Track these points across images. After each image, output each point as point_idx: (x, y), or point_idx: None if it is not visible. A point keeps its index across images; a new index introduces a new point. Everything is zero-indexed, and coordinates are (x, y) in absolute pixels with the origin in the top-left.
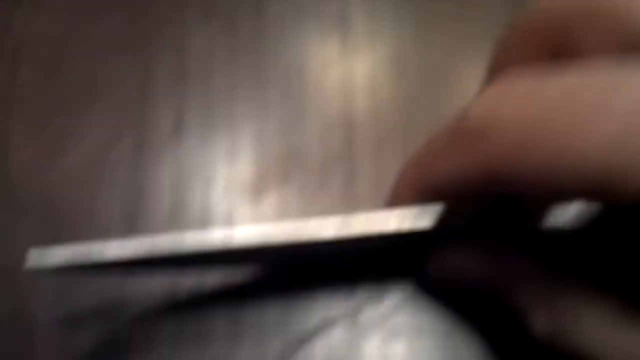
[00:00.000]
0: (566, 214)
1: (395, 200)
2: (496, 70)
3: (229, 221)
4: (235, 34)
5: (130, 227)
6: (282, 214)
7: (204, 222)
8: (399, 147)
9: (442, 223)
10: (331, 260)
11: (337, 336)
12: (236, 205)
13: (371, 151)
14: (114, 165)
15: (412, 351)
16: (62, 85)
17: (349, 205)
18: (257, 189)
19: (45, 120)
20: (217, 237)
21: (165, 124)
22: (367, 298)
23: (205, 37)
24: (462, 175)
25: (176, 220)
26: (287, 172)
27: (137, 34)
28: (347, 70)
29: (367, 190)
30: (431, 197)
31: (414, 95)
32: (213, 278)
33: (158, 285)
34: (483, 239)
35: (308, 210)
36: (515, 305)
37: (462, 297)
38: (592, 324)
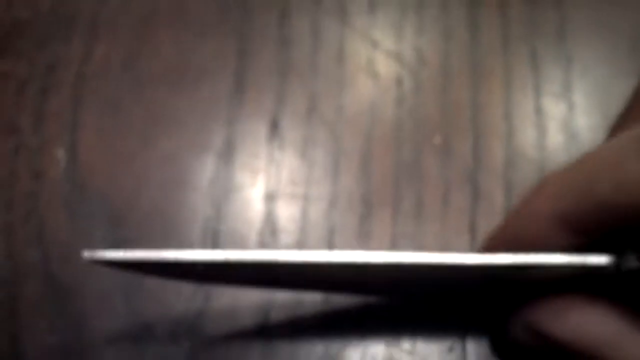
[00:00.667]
0: None
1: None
2: None
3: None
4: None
5: (214, 241)
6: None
7: (300, 242)
8: None
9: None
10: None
11: None
12: (339, 224)
13: None
14: (199, 168)
15: None
16: (147, 68)
17: None
18: (365, 207)
19: (128, 108)
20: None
21: (260, 125)
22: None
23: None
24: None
25: (269, 239)
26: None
27: (232, 17)
28: None
29: None
30: (589, 213)
31: None
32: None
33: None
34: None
35: None
36: None
37: None
38: None
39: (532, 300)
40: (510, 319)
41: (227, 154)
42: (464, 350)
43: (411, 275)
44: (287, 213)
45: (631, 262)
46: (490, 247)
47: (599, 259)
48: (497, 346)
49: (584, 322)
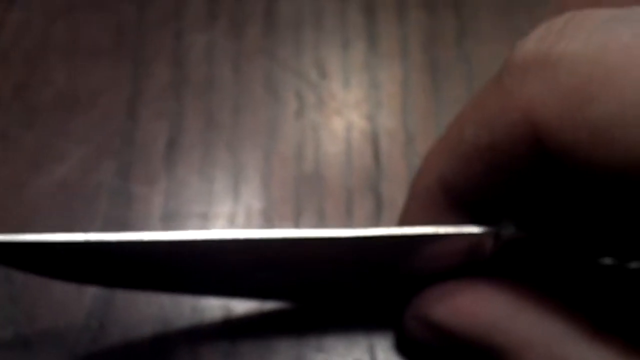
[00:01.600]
0: None
1: (415, 187)
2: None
3: None
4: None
5: None
6: None
7: None
8: None
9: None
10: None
11: None
12: None
13: None
14: (92, 194)
15: None
16: (36, 95)
17: None
18: (265, 222)
19: (18, 136)
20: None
21: (157, 145)
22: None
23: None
24: (500, 129)
25: None
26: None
27: (126, 40)
28: None
29: None
30: (460, 168)
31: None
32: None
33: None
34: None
35: None
36: None
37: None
38: None
39: (421, 290)
40: (404, 314)
41: (123, 176)
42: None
43: (292, 260)
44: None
45: (508, 230)
46: None
47: (476, 228)
48: (402, 346)
49: (468, 305)
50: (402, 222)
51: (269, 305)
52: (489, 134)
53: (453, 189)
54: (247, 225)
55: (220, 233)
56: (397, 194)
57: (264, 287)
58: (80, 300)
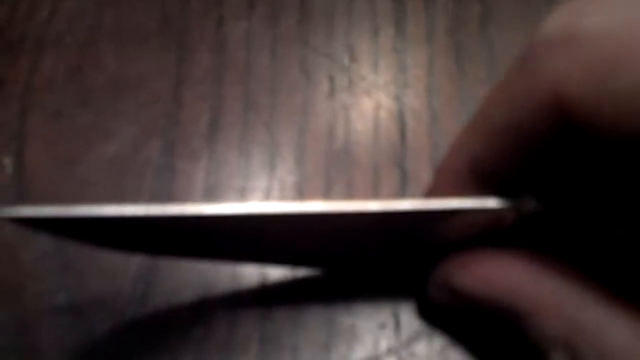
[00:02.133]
0: None
1: (443, 166)
2: None
3: None
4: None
5: None
6: None
7: None
8: None
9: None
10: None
11: None
12: None
13: None
14: (140, 170)
15: None
16: (89, 78)
17: None
18: (297, 195)
19: (72, 115)
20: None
21: (200, 125)
22: (416, 333)
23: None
24: (526, 108)
25: None
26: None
27: (171, 27)
28: None
29: None
30: (489, 148)
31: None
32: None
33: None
34: (527, 244)
35: None
36: (536, 336)
37: (459, 320)
38: None
39: (444, 258)
40: (428, 282)
41: (168, 154)
42: (397, 325)
43: (323, 231)
44: None
45: (529, 204)
46: None
47: (498, 202)
48: (424, 311)
49: (488, 271)
50: (429, 197)
51: (302, 272)
52: (517, 113)
53: (481, 168)
54: (281, 198)
55: (258, 206)
56: (421, 169)
57: (297, 256)
58: (126, 268)
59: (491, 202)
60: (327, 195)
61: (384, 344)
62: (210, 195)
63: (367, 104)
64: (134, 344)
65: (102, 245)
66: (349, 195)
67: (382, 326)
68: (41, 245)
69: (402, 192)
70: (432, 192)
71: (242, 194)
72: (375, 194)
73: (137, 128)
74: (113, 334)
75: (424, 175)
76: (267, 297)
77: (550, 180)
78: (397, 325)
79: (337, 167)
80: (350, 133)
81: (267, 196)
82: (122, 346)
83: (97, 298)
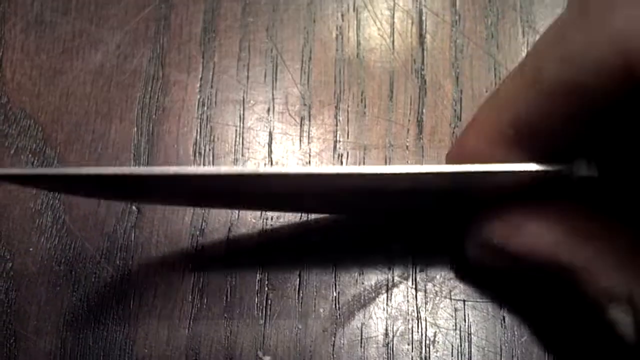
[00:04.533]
0: None
1: (481, 118)
2: None
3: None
4: None
5: (149, 153)
6: None
7: (237, 150)
8: None
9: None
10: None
11: (397, 299)
12: (278, 127)
13: None
14: (129, 81)
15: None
16: None
17: None
18: (305, 105)
19: (53, 22)
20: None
21: (193, 28)
22: (432, 255)
23: None
24: (588, 66)
25: (206, 148)
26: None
27: None
28: None
29: None
30: (536, 106)
31: None
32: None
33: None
34: (571, 199)
35: None
36: (593, 290)
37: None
38: None
39: (481, 216)
40: (466, 241)
41: (159, 63)
42: (413, 246)
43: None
44: (223, 120)
45: (583, 169)
46: (447, 162)
47: (549, 167)
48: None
49: (534, 226)
50: (462, 150)
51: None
52: (574, 70)
53: (528, 128)
54: (285, 111)
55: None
56: (441, 77)
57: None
58: None
59: (539, 167)
60: (337, 107)
61: (397, 267)
62: (207, 108)
63: (380, 4)
64: (125, 265)
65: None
66: (361, 106)
67: (397, 247)
68: None
69: (419, 102)
70: (465, 146)
71: (242, 107)
72: (390, 106)
73: (125, 35)
74: (103, 255)
75: (445, 83)
76: (267, 229)
77: (606, 145)
78: (413, 246)
79: (347, 76)
80: (362, 38)
81: (270, 110)
82: (115, 268)
83: (86, 218)
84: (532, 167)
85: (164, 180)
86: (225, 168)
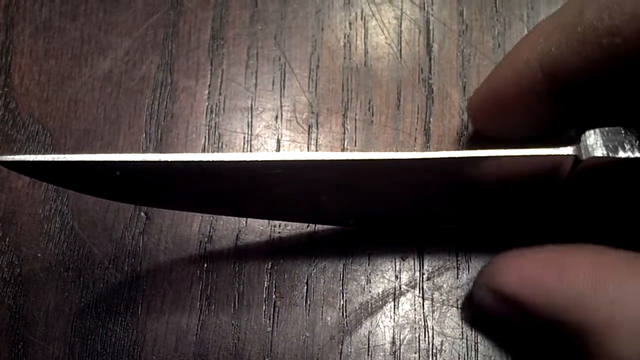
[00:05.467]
0: None
1: (513, 58)
2: None
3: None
4: None
5: None
6: None
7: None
8: None
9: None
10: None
11: (404, 307)
12: (286, 134)
13: None
14: (137, 88)
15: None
16: None
17: None
18: (313, 112)
19: (62, 27)
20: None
21: (202, 35)
22: (440, 268)
23: None
24: (628, 12)
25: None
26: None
27: None
28: None
29: None
30: (571, 50)
31: None
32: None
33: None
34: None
35: None
36: (610, 354)
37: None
38: None
39: (498, 261)
40: (474, 282)
41: (168, 70)
42: (420, 255)
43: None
44: (231, 127)
45: (595, 147)
46: (474, 100)
47: (559, 150)
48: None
49: (543, 274)
50: (490, 83)
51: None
52: (616, 17)
53: (557, 72)
54: (293, 118)
55: (268, 155)
56: (448, 85)
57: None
58: None
59: (549, 151)
60: (344, 115)
61: (405, 276)
62: (215, 115)
63: (388, 13)
64: (133, 272)
65: (99, 194)
66: (369, 114)
67: (404, 257)
68: None
69: (427, 111)
70: (493, 79)
71: (250, 114)
72: (397, 114)
73: (133, 41)
74: (112, 261)
75: (453, 92)
76: (275, 237)
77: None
78: (420, 255)
79: (355, 85)
80: (370, 46)
81: (278, 117)
82: (123, 274)
83: (94, 224)
84: (539, 152)
85: (170, 168)
86: (233, 155)
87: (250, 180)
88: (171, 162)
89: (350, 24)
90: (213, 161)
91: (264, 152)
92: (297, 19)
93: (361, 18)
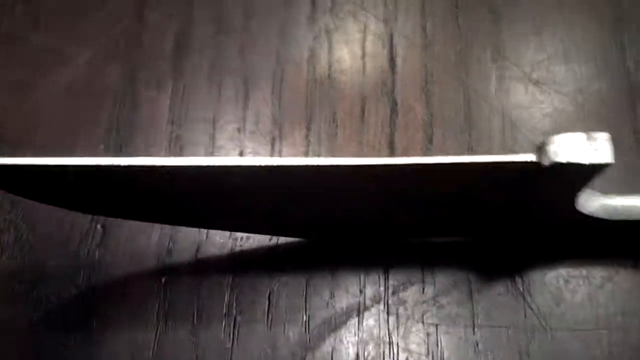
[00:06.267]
0: None
1: None
2: None
3: None
4: None
5: None
6: None
7: None
8: None
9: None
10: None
11: (368, 323)
12: (249, 147)
13: None
14: (98, 98)
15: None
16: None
17: None
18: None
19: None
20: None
21: (165, 45)
22: (405, 282)
23: None
24: None
25: None
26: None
27: None
28: None
29: None
30: None
31: None
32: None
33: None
34: None
35: None
36: None
37: None
38: None
39: None
40: None
41: (129, 80)
42: (386, 269)
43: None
44: (193, 138)
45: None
46: None
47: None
48: None
49: None
50: None
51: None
52: None
53: None
54: (256, 130)
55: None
56: (412, 99)
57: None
58: None
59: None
60: (308, 127)
61: (369, 291)
62: (177, 126)
63: (352, 28)
64: (88, 286)
65: (52, 201)
66: (332, 127)
67: (369, 271)
68: None
69: (391, 124)
70: None
71: (213, 126)
72: (361, 127)
73: (96, 51)
74: (66, 275)
75: (417, 105)
76: (236, 251)
77: None
78: (385, 269)
79: (318, 98)
80: (334, 60)
81: (240, 129)
82: (78, 288)
83: (50, 237)
84: (504, 158)
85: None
86: (192, 159)
87: (210, 187)
88: (127, 166)
89: (314, 37)
90: (169, 166)
91: (224, 157)
92: (261, 32)
93: (325, 31)
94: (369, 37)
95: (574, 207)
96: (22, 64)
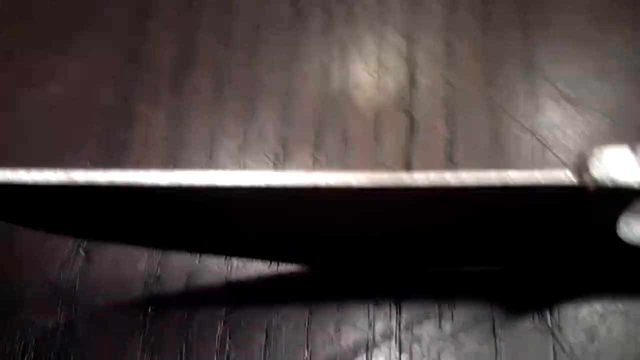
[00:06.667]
0: None
1: None
2: None
3: None
4: None
5: None
6: None
7: None
8: None
9: None
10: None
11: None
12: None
13: None
14: (88, 114)
15: None
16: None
17: None
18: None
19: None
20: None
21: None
22: (420, 316)
23: None
24: None
25: None
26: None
27: None
28: None
29: None
30: None
31: None
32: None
33: None
34: None
35: None
36: None
37: None
38: None
39: None
40: None
41: (123, 96)
42: (398, 302)
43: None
44: (190, 157)
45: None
46: None
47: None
48: None
49: None
50: None
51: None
52: None
53: None
54: (260, 150)
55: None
56: (433, 117)
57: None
58: None
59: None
60: (317, 145)
61: (379, 325)
62: (173, 145)
63: (369, 40)
64: (67, 316)
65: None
66: (343, 146)
67: (379, 303)
68: None
69: (409, 144)
70: None
71: (212, 145)
72: (376, 146)
73: (88, 65)
74: (44, 304)
75: (438, 124)
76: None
77: None
78: (398, 302)
79: (330, 115)
80: (349, 74)
81: (242, 147)
82: (56, 318)
83: (28, 262)
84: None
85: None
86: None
87: (204, 206)
88: (109, 183)
89: (328, 50)
90: (155, 184)
91: (219, 173)
92: (271, 44)
93: (339, 44)
94: (387, 50)
95: (614, 233)
96: (8, 78)
